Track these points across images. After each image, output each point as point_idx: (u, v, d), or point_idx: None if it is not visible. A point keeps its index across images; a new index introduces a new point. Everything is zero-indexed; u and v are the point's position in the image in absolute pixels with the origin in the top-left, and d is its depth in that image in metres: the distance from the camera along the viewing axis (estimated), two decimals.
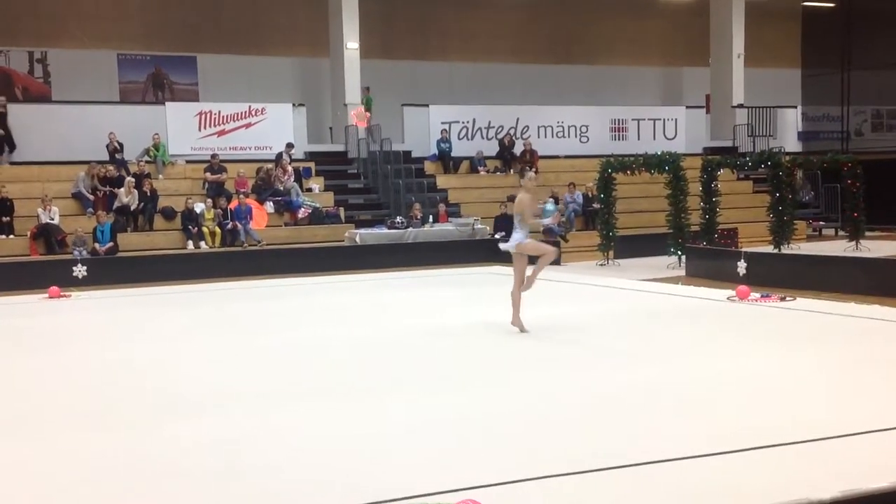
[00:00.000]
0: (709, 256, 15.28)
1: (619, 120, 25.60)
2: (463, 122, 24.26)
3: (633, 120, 25.69)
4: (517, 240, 9.33)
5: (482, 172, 23.27)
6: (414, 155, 23.23)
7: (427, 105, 24.06)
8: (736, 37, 26.76)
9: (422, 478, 4.59)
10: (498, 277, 15.84)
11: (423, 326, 10.07)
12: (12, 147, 19.60)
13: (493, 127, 24.43)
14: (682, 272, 15.38)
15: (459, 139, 23.98)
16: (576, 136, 25.21)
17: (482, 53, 27.79)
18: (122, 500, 4.46)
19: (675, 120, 26.01)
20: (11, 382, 7.57)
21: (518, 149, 23.76)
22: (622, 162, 17.89)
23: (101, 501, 4.46)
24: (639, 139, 25.28)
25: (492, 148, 24.00)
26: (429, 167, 23.23)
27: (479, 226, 19.83)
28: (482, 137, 24.34)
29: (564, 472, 4.61)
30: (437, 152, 23.45)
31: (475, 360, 8.09)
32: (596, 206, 19.16)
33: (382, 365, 7.94)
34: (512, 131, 24.34)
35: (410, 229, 19.34)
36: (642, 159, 17.38)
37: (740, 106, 26.90)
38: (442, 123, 23.71)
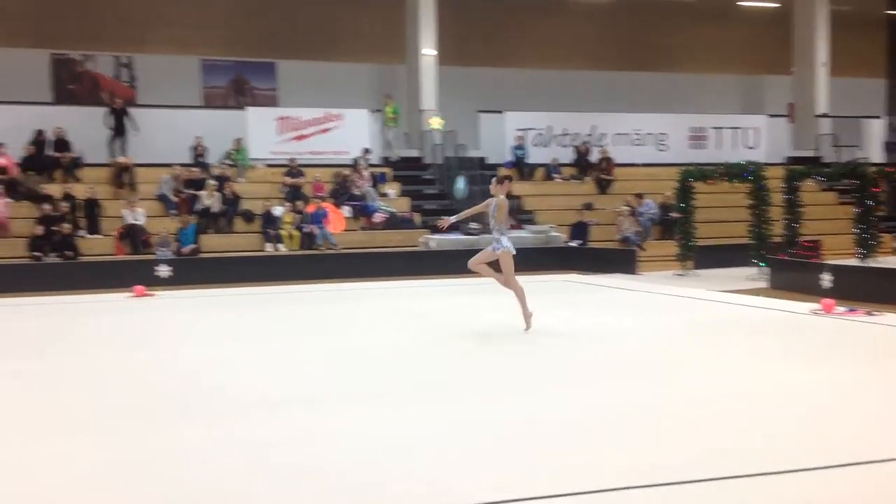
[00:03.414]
0: (792, 268, 14.95)
1: (698, 128, 25.25)
2: (538, 129, 24.18)
3: (712, 128, 25.31)
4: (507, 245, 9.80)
5: (557, 180, 23.15)
6: (489, 161, 23.23)
7: (502, 112, 24.04)
8: (820, 45, 26.19)
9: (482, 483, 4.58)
10: (574, 285, 15.77)
11: (496, 332, 10.06)
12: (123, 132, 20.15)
13: (569, 134, 24.29)
14: (764, 284, 15.08)
15: (535, 146, 23.90)
16: (653, 145, 24.94)
17: (558, 60, 27.70)
18: (186, 496, 4.54)
19: (757, 129, 25.55)
20: (95, 379, 7.75)
21: (594, 156, 23.61)
22: (702, 171, 17.65)
23: (170, 497, 4.55)
24: (718, 148, 24.89)
25: (567, 155, 23.87)
26: (503, 174, 23.12)
27: (554, 233, 19.73)
28: (558, 144, 24.22)
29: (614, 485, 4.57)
30: (512, 159, 23.41)
31: (544, 366, 8.04)
32: (674, 215, 18.93)
33: (453, 369, 7.94)
34: (588, 139, 24.18)
35: (485, 235, 19.31)
36: (723, 168, 17.11)
37: (824, 115, 26.29)
38: (517, 130, 23.67)
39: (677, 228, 18.14)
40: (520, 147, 23.41)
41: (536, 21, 27.46)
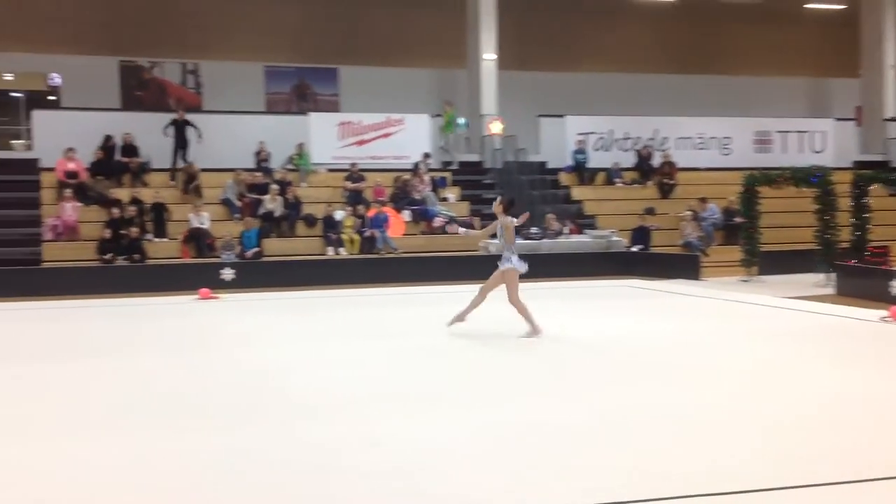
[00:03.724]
0: (860, 275, 14.62)
1: (763, 132, 24.83)
2: (599, 134, 24.00)
3: (777, 132, 24.87)
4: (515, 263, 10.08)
5: (618, 184, 22.97)
6: (549, 166, 23.17)
7: (563, 116, 23.94)
8: (888, 47, 25.57)
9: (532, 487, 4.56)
10: (635, 290, 15.63)
11: (559, 337, 10.01)
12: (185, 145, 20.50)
13: (631, 138, 24.08)
14: (831, 290, 14.77)
15: (596, 150, 23.73)
16: (717, 148, 24.60)
17: (620, 63, 27.50)
18: (254, 498, 4.60)
19: (823, 132, 25.04)
20: (161, 380, 7.89)
21: (656, 161, 23.38)
22: (767, 175, 17.36)
23: (239, 498, 4.61)
24: (784, 152, 24.45)
25: (629, 159, 23.67)
26: (564, 178, 23.11)
27: (615, 238, 19.59)
28: (619, 149, 24.03)
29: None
30: (572, 163, 23.30)
31: (604, 370, 7.98)
32: (738, 220, 18.66)
33: (517, 372, 7.93)
34: (650, 143, 23.96)
35: (545, 240, 19.27)
36: (789, 173, 16.82)
37: (893, 119, 25.67)
38: (578, 134, 23.54)
39: (742, 233, 17.88)
40: (580, 151, 23.28)
41: (597, 25, 27.30)
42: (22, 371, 8.33)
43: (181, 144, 20.13)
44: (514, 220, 10.19)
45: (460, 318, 10.36)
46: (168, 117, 20.43)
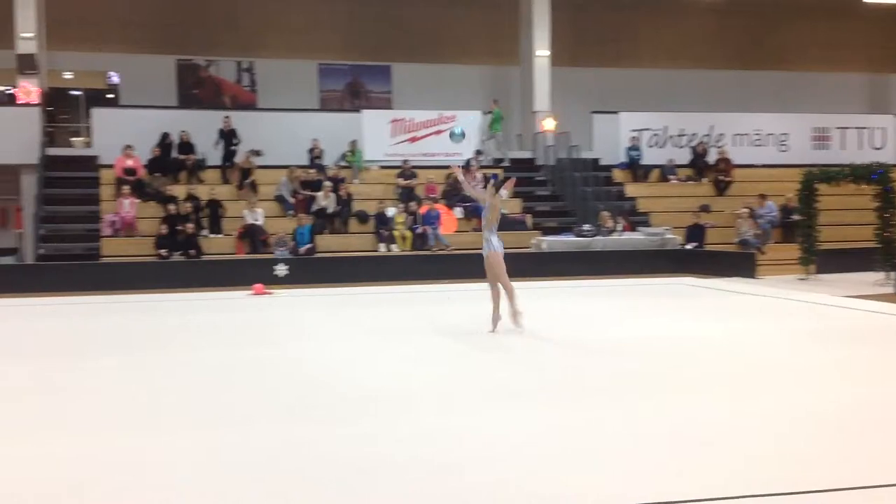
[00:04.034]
0: None
1: (821, 128, 24.39)
2: (654, 130, 23.79)
3: (836, 128, 24.43)
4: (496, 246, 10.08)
5: (673, 181, 22.73)
6: (602, 162, 23.00)
7: (617, 112, 23.75)
8: None
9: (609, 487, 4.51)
10: (690, 289, 15.45)
11: (612, 335, 9.92)
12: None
13: (686, 134, 23.82)
14: (890, 289, 14.44)
15: (650, 147, 23.54)
16: (774, 145, 24.22)
17: (673, 59, 27.19)
18: (312, 493, 4.62)
19: (884, 129, 24.52)
20: (215, 375, 7.97)
21: (712, 157, 23.09)
22: (825, 172, 17.04)
23: (296, 493, 4.63)
24: (843, 148, 24.00)
25: (684, 156, 23.41)
26: (618, 175, 22.93)
27: (670, 235, 19.37)
28: (674, 145, 23.78)
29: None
30: (626, 160, 23.11)
31: (660, 372, 7.87)
32: (795, 217, 18.33)
33: (573, 370, 7.87)
34: (705, 139, 23.66)
35: (598, 237, 19.13)
36: (848, 170, 16.48)
37: None
38: (632, 131, 23.37)
39: (799, 231, 17.56)
40: (634, 148, 23.09)
41: (651, 20, 27.03)
42: (83, 364, 8.49)
43: (229, 155, 20.33)
44: (504, 195, 10.18)
45: (495, 319, 10.20)
46: (221, 115, 20.68)
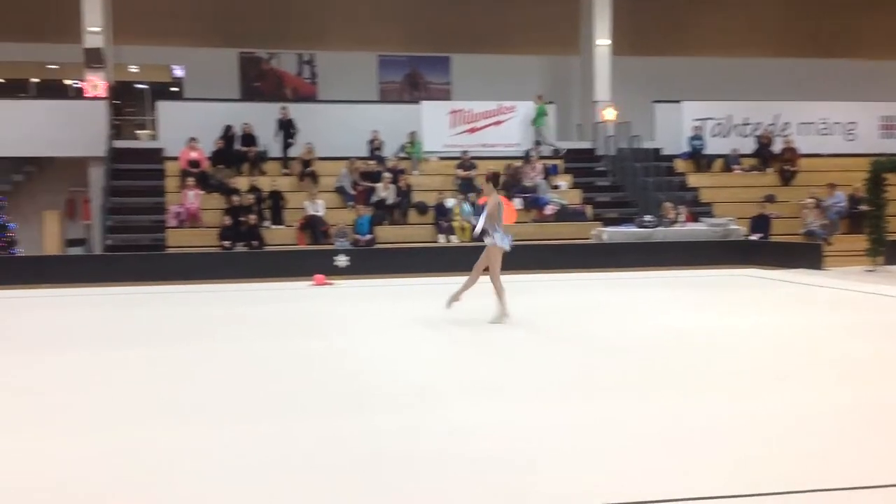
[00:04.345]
0: None
1: (889, 117, 23.77)
2: (717, 119, 23.43)
3: None
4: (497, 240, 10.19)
5: (737, 171, 22.36)
6: (664, 152, 22.73)
7: (679, 101, 23.43)
8: None
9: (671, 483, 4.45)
10: (755, 280, 15.19)
11: (671, 328, 9.80)
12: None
13: (750, 124, 23.40)
14: None
15: (713, 136, 23.18)
16: (841, 134, 23.67)
17: (737, 47, 26.73)
18: (377, 482, 4.64)
19: None
20: (270, 364, 8.04)
21: (777, 146, 22.65)
22: (894, 161, 16.61)
23: (362, 482, 4.66)
24: None
25: (748, 145, 23.02)
26: (680, 165, 22.63)
27: (734, 226, 19.06)
28: (738, 135, 23.39)
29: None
30: (688, 150, 22.80)
31: (717, 365, 7.75)
32: (863, 207, 17.90)
33: (634, 363, 7.78)
34: (770, 128, 23.22)
35: (660, 228, 18.90)
36: None
37: None
38: (695, 120, 23.04)
39: (867, 222, 17.14)
40: (697, 137, 22.77)
41: (714, 8, 26.58)
42: (149, 353, 8.65)
43: (288, 145, 20.55)
44: (500, 197, 10.33)
45: (456, 297, 10.51)
46: (280, 107, 20.89)
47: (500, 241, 10.20)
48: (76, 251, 20.71)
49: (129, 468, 4.86)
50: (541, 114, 22.36)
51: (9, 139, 19.81)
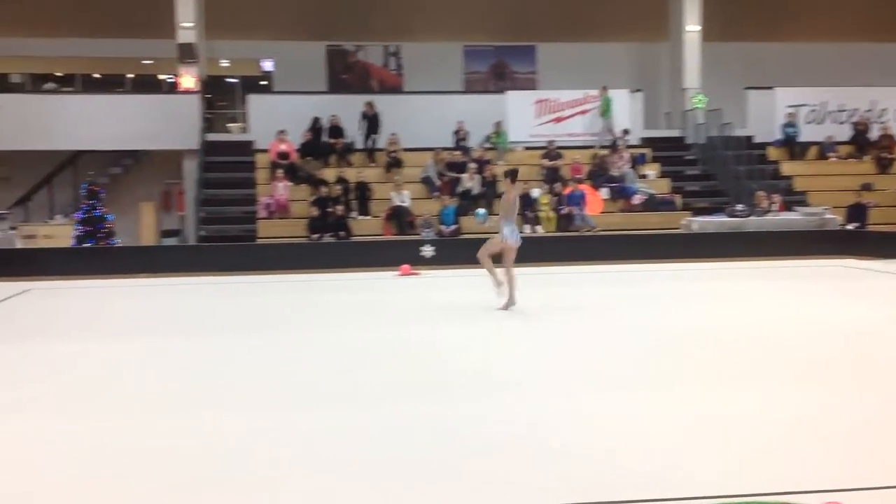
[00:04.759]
0: None
1: None
2: (812, 106, 22.74)
3: None
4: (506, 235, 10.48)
5: (832, 159, 21.70)
6: (756, 140, 22.18)
7: (772, 88, 22.83)
8: None
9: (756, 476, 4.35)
10: (852, 271, 14.74)
11: (763, 319, 9.57)
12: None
13: (846, 110, 22.66)
14: None
15: (807, 123, 22.53)
16: None
17: (832, 32, 25.87)
18: (455, 470, 4.65)
19: None
20: (367, 352, 8.14)
21: (874, 134, 21.90)
22: None
23: (444, 471, 4.68)
24: None
25: (844, 132, 22.30)
26: (772, 153, 22.07)
27: (829, 215, 18.51)
28: (833, 121, 22.68)
29: None
30: (782, 137, 22.22)
31: (818, 357, 7.54)
32: None
33: (708, 355, 7.64)
34: (867, 115, 22.45)
35: (752, 218, 18.46)
36: None
37: None
38: (788, 107, 22.42)
39: None
40: (791, 125, 22.17)
41: None
42: (235, 339, 8.84)
43: (373, 131, 20.69)
44: (518, 192, 10.54)
45: (510, 301, 10.56)
46: (366, 99, 21.04)
47: (508, 236, 10.47)
48: (171, 242, 21.29)
49: (248, 451, 4.99)
50: (607, 105, 21.98)
51: (107, 133, 20.47)
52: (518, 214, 17.02)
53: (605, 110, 21.92)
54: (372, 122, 20.67)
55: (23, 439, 5.34)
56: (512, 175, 10.52)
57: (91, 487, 4.48)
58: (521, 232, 10.82)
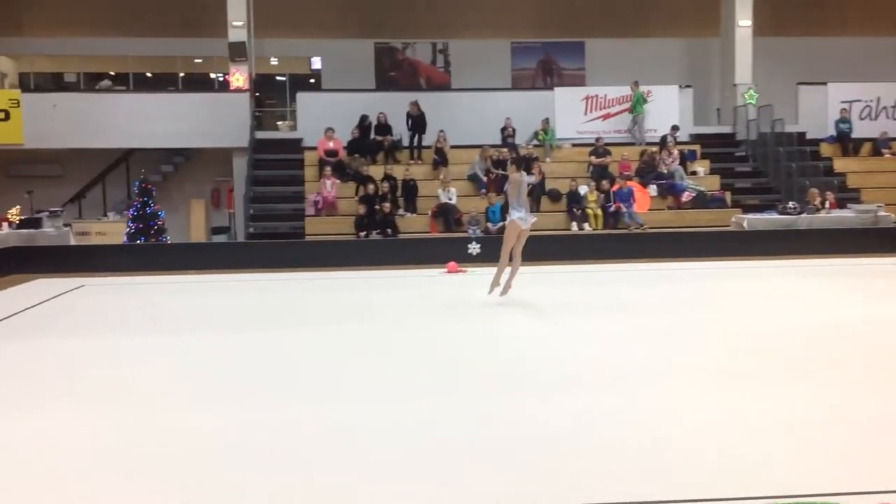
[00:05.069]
0: None
1: None
2: (865, 101, 22.38)
3: None
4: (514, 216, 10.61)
5: (887, 155, 21.29)
6: (808, 136, 21.84)
7: (825, 83, 22.46)
8: None
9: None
10: None
11: (812, 319, 9.41)
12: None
13: None
14: None
15: (861, 119, 22.17)
16: None
17: (887, 26, 25.35)
18: (522, 463, 4.65)
19: None
20: (423, 347, 8.18)
21: None
22: None
23: (512, 462, 4.68)
24: None
25: None
26: (825, 149, 21.72)
27: (883, 213, 18.15)
28: (888, 117, 22.25)
29: None
30: (834, 133, 21.84)
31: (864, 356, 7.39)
32: None
33: (758, 352, 7.53)
34: None
35: (804, 215, 18.18)
36: None
37: None
38: (841, 102, 22.07)
39: None
40: (844, 121, 21.79)
41: None
42: (309, 333, 8.93)
43: (419, 130, 20.68)
44: (524, 176, 10.70)
45: (507, 285, 10.99)
46: (411, 98, 21.07)
47: (517, 219, 10.65)
48: (220, 239, 21.55)
49: (282, 443, 5.05)
50: (638, 101, 21.75)
51: (159, 131, 20.79)
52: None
53: (636, 106, 21.72)
54: (417, 122, 20.69)
55: (69, 429, 5.44)
56: (517, 161, 10.96)
57: (147, 478, 4.56)
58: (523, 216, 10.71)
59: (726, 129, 22.87)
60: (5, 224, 16.47)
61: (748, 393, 6.11)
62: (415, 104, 20.69)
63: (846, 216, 18.26)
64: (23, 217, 17.54)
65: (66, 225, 18.56)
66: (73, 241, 17.80)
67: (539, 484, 4.35)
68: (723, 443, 4.98)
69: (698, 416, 5.56)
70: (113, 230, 19.78)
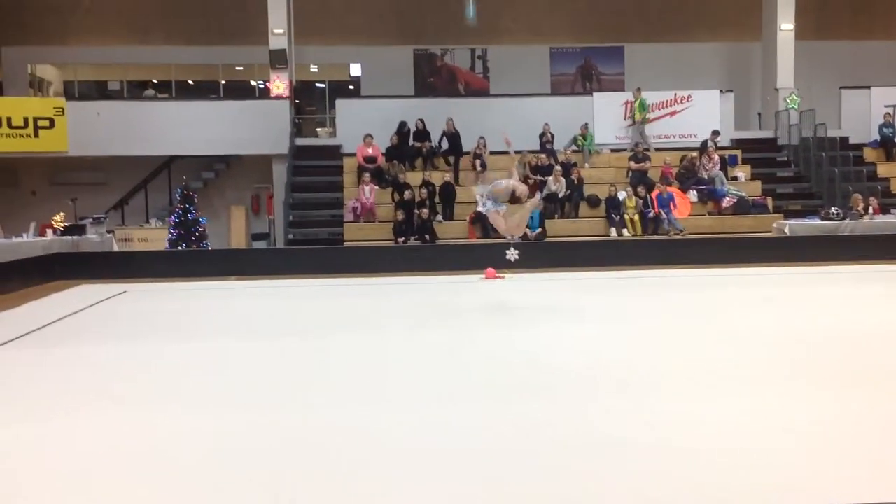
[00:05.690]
0: None
1: None
2: None
3: None
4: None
5: None
6: (852, 141, 21.55)
7: (868, 87, 22.14)
8: None
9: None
10: None
11: (855, 326, 9.26)
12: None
13: None
14: None
15: None
16: None
17: None
18: (552, 468, 4.64)
19: None
20: (462, 352, 8.18)
21: None
22: None
23: (550, 464, 4.67)
24: None
25: None
26: (868, 154, 21.41)
27: None
28: None
29: None
30: (878, 138, 21.52)
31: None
32: None
33: (794, 357, 7.43)
34: None
35: (847, 221, 17.92)
36: None
37: None
38: (885, 107, 21.72)
39: None
40: (888, 125, 21.47)
41: None
42: (350, 338, 8.98)
43: (454, 150, 20.64)
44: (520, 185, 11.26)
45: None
46: (456, 103, 21.13)
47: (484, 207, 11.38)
48: (260, 245, 21.74)
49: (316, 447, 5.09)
50: (641, 108, 21.54)
51: (200, 138, 21.05)
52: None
53: (639, 112, 21.54)
54: (452, 140, 20.59)
55: (109, 432, 5.52)
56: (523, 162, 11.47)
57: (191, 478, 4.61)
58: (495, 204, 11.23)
59: (768, 134, 22.64)
60: (50, 231, 16.74)
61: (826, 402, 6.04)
62: (450, 121, 20.66)
63: (890, 222, 17.97)
64: (67, 224, 17.81)
65: (109, 231, 18.84)
66: (115, 248, 18.05)
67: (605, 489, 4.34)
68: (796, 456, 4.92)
69: (754, 425, 5.50)
70: (155, 237, 20.04)
